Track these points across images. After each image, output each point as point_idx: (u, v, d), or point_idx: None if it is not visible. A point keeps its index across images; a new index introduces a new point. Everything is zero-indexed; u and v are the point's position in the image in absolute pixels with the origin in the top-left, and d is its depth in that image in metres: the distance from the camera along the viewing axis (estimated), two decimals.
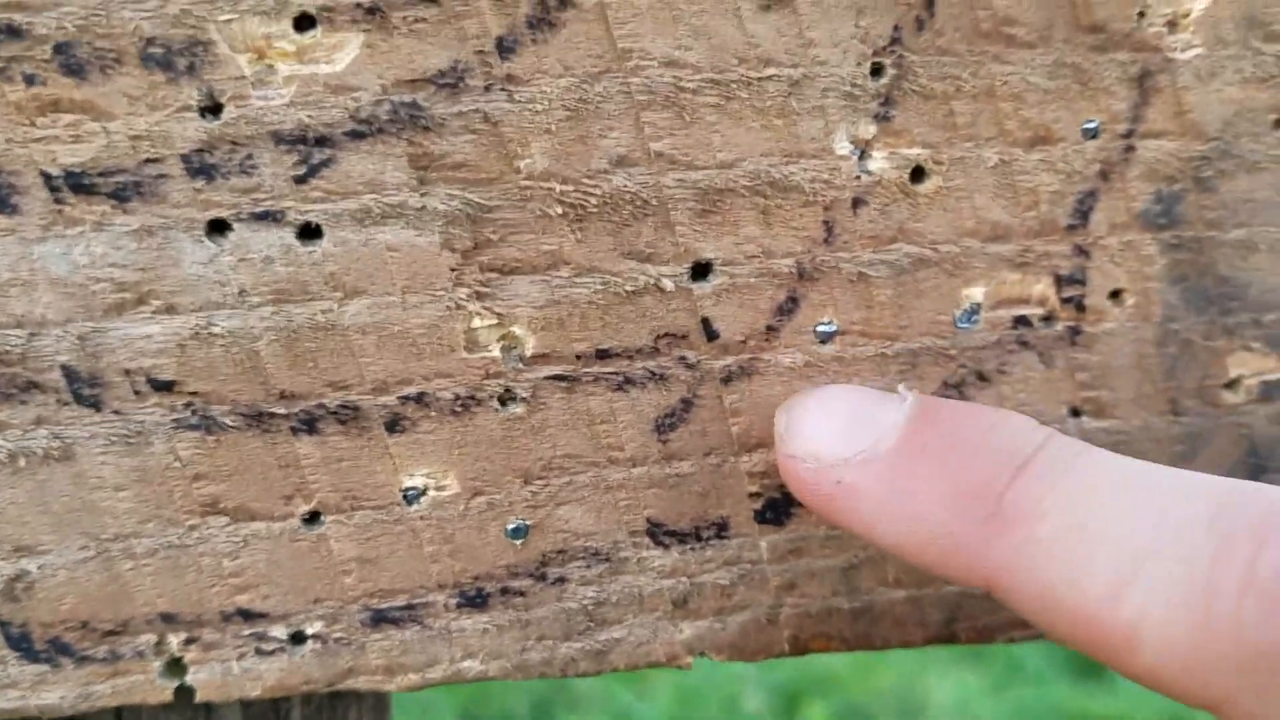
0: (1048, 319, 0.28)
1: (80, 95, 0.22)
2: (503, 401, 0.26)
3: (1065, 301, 0.28)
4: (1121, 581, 0.21)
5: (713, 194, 0.25)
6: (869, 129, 0.26)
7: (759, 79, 0.25)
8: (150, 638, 0.25)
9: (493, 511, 0.26)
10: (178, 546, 0.25)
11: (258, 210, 0.23)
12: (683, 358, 0.26)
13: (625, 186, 0.25)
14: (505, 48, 0.23)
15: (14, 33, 0.22)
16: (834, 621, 0.29)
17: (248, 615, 0.26)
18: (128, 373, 0.24)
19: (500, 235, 0.25)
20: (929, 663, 1.42)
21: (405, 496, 0.26)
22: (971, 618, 0.30)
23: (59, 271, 0.23)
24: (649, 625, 0.28)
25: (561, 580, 0.27)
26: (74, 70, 0.22)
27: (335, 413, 0.25)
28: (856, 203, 0.26)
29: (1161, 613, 0.20)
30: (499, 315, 0.25)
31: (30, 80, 0.22)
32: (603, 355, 0.26)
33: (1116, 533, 0.21)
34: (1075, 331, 0.28)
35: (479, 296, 0.25)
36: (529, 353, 0.26)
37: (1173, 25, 0.26)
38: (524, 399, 0.26)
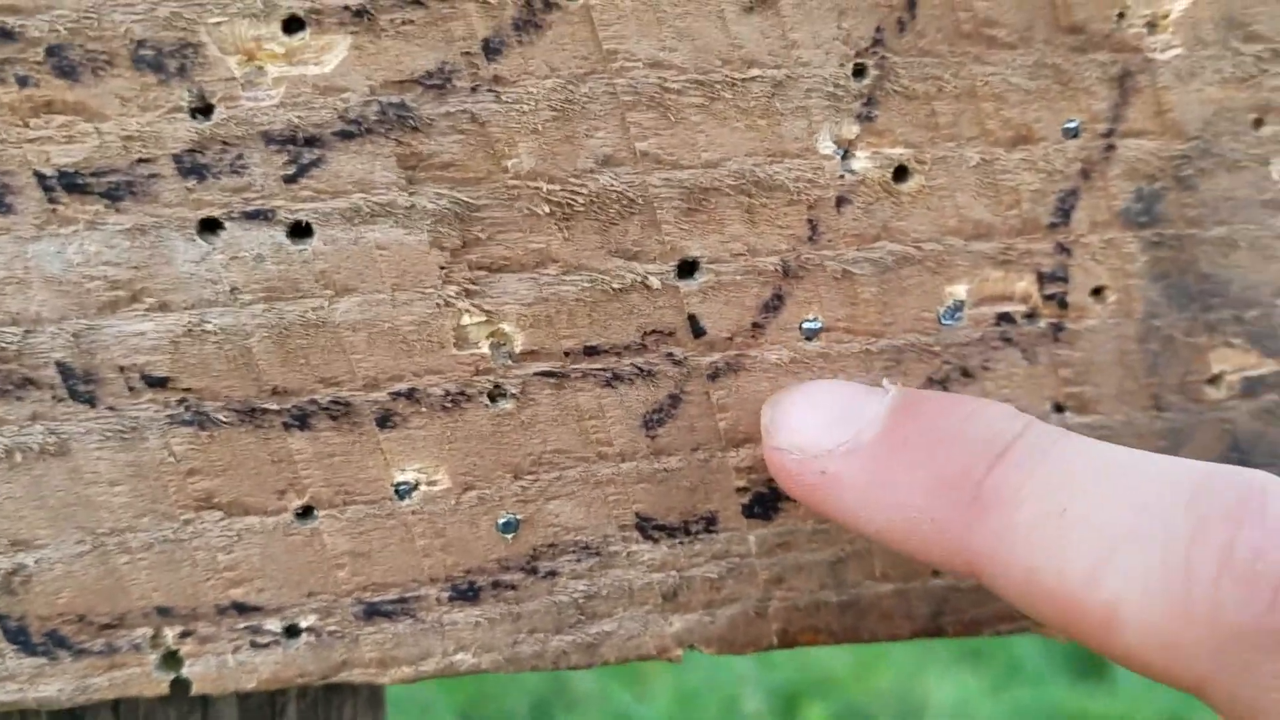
0: (1030, 316, 0.28)
1: (73, 96, 0.22)
2: (492, 398, 0.26)
3: (1048, 299, 0.28)
4: (1100, 564, 0.21)
5: (698, 193, 0.26)
6: (852, 129, 0.26)
7: (743, 80, 0.25)
8: (146, 631, 0.26)
9: (484, 506, 0.27)
10: (172, 541, 0.25)
11: (249, 209, 0.24)
12: (670, 354, 0.27)
13: (612, 186, 0.25)
14: (491, 49, 0.24)
15: (7, 35, 0.22)
16: (822, 615, 0.29)
17: (242, 609, 0.26)
18: (122, 369, 0.24)
19: (488, 234, 0.25)
20: (928, 663, 1.42)
21: (397, 491, 0.26)
22: (958, 611, 0.30)
23: (53, 270, 0.23)
24: (639, 618, 0.28)
25: (552, 574, 0.28)
26: (66, 72, 0.22)
27: (327, 409, 0.25)
28: (840, 201, 0.26)
29: (1140, 595, 0.21)
30: (488, 312, 0.26)
31: (23, 82, 0.22)
32: (591, 352, 0.26)
33: (1095, 517, 0.22)
34: (1058, 328, 0.28)
35: (468, 294, 0.25)
36: (518, 349, 0.26)
37: (1152, 26, 0.27)
38: (513, 395, 0.26)
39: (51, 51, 0.22)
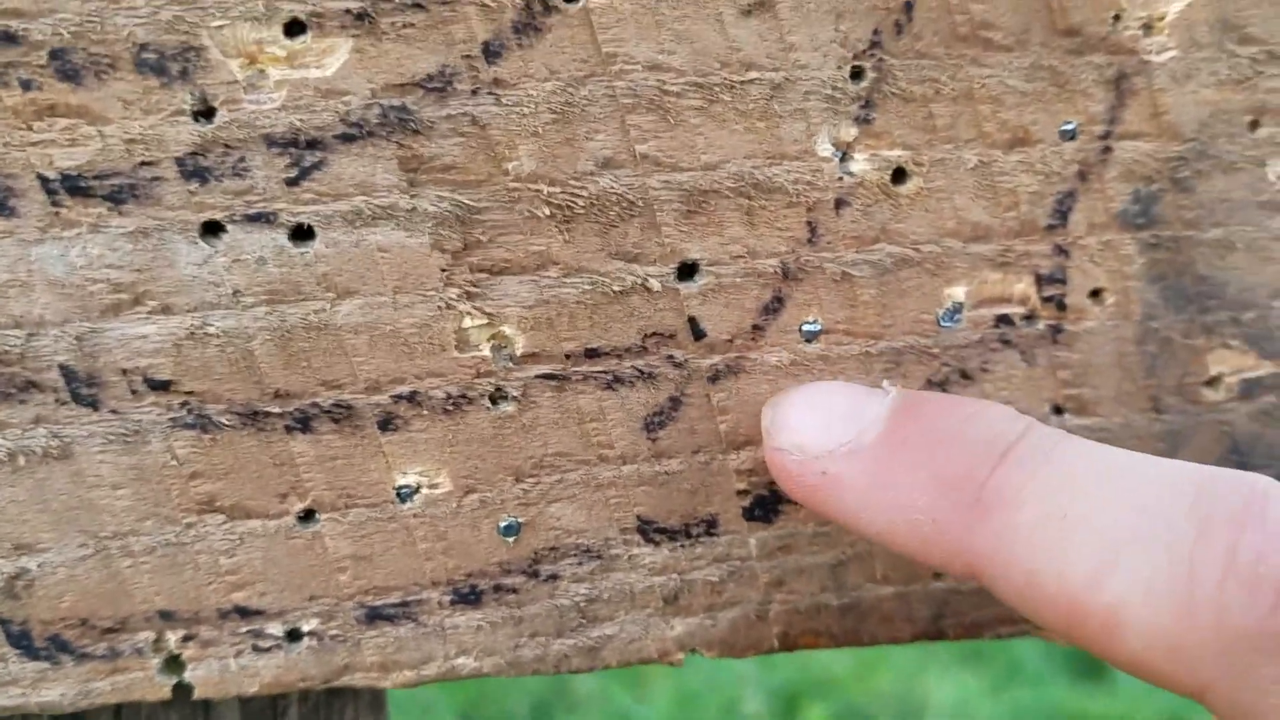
0: (1029, 318, 0.28)
1: (76, 100, 0.23)
2: (494, 400, 0.26)
3: (1046, 300, 0.28)
4: (1103, 567, 0.21)
5: (698, 195, 0.26)
6: (850, 131, 0.26)
7: (741, 82, 0.25)
8: (149, 635, 0.26)
9: (485, 509, 0.27)
10: (175, 544, 0.26)
11: (251, 212, 0.24)
12: (670, 357, 0.27)
13: (612, 188, 0.25)
14: (492, 52, 0.24)
15: (10, 39, 0.22)
16: (823, 618, 0.30)
17: (244, 612, 0.26)
18: (125, 372, 0.24)
19: (489, 236, 0.25)
20: (928, 664, 1.42)
21: (399, 494, 0.26)
22: (959, 614, 0.30)
23: (56, 273, 0.23)
24: (640, 622, 0.29)
25: (554, 577, 0.28)
26: (69, 75, 0.22)
27: (329, 411, 0.25)
28: (839, 204, 0.26)
29: (1143, 598, 0.21)
30: (489, 315, 0.26)
31: (27, 85, 0.22)
32: (592, 354, 0.26)
33: (1097, 519, 0.22)
34: (1056, 330, 0.28)
35: (469, 296, 0.25)
36: (519, 352, 0.26)
37: (1148, 28, 0.27)
38: (515, 398, 0.26)
39: (55, 55, 0.22)
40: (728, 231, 0.26)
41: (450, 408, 0.26)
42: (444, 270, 0.25)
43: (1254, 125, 0.28)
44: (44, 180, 0.23)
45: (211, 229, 0.24)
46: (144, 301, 0.24)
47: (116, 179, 0.23)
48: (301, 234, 0.24)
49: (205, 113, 0.23)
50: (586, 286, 0.26)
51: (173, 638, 0.26)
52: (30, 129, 0.23)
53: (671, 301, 0.26)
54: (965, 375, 0.28)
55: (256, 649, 0.26)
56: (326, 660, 0.27)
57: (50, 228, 0.23)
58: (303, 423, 0.25)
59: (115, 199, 0.23)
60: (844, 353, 0.27)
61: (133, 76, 0.23)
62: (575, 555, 0.28)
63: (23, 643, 0.25)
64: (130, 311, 0.24)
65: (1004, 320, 0.28)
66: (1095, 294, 0.29)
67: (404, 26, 0.23)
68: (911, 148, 0.26)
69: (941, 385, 0.28)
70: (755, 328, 0.27)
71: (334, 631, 0.27)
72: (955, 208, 0.27)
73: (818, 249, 0.27)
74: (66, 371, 0.24)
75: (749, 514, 0.28)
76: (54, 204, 0.23)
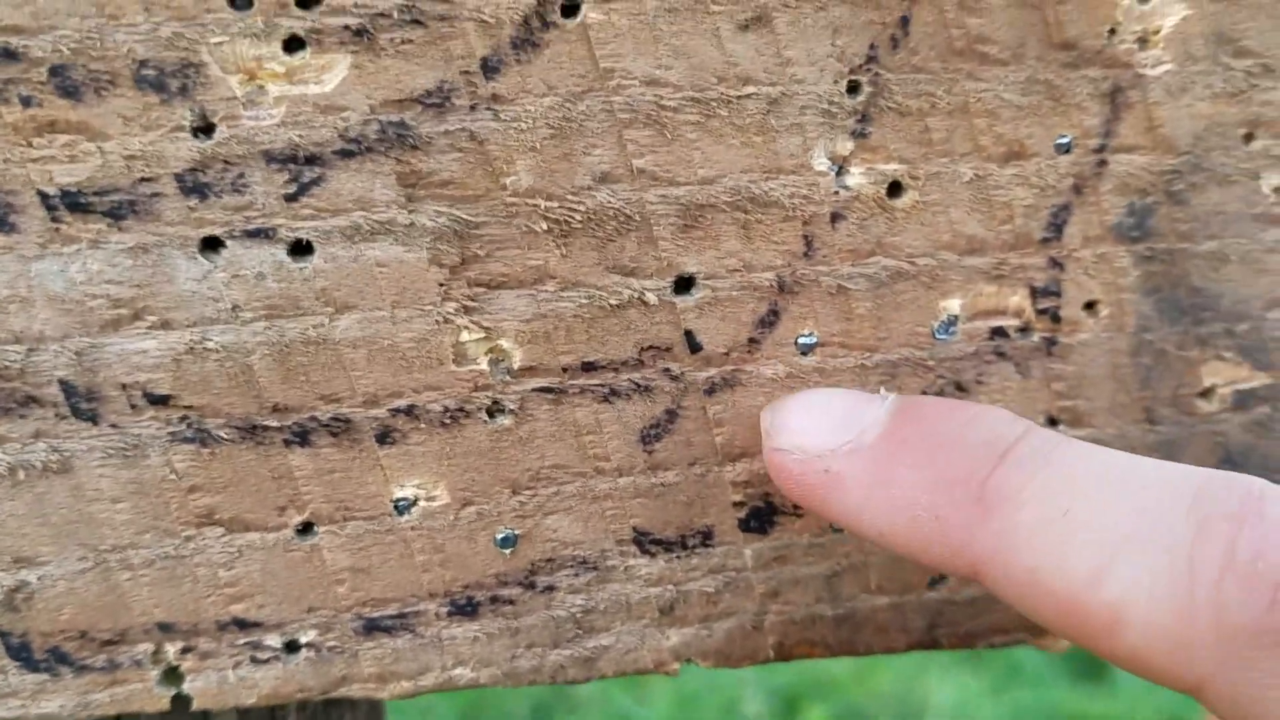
0: (1024, 330, 0.28)
1: (76, 116, 0.23)
2: (491, 413, 0.26)
3: (1041, 313, 0.28)
4: (1104, 565, 0.21)
5: (694, 209, 0.26)
6: (846, 145, 0.26)
7: (738, 97, 0.25)
8: (148, 647, 0.26)
9: (482, 521, 0.27)
10: (174, 557, 0.26)
11: (250, 228, 0.24)
12: (667, 369, 0.27)
13: (609, 202, 0.25)
14: (490, 68, 0.24)
15: (10, 56, 0.22)
16: (818, 628, 0.30)
17: (243, 624, 0.26)
18: (124, 387, 0.24)
19: (487, 251, 0.25)
20: (928, 665, 1.42)
21: (396, 507, 0.27)
22: (953, 624, 0.30)
23: (56, 288, 0.24)
24: (636, 632, 0.29)
25: (550, 589, 0.28)
26: (69, 92, 0.23)
27: (327, 425, 0.26)
28: (835, 217, 0.27)
29: (1144, 596, 0.21)
30: (486, 329, 0.26)
31: (27, 102, 0.22)
32: (588, 368, 0.27)
33: (1098, 519, 0.22)
34: (1051, 342, 0.29)
35: (467, 311, 0.25)
36: (516, 365, 0.26)
37: (1143, 42, 0.27)
38: (512, 411, 0.26)
39: (55, 71, 0.22)
40: (724, 245, 0.26)
41: (448, 421, 0.26)
42: (442, 285, 0.25)
43: (1248, 138, 0.28)
44: (44, 196, 0.23)
45: (211, 244, 0.24)
46: (143, 317, 0.24)
47: (116, 195, 0.23)
48: (300, 249, 0.24)
49: (205, 129, 0.23)
50: (583, 300, 0.26)
51: (171, 650, 0.26)
52: (30, 145, 0.23)
53: (668, 315, 0.26)
54: (960, 387, 0.28)
55: (255, 660, 0.27)
56: (324, 671, 0.27)
57: (50, 243, 0.23)
58: (301, 436, 0.25)
59: (115, 215, 0.23)
60: (840, 365, 0.28)
61: (132, 93, 0.23)
62: (572, 567, 0.28)
63: (22, 655, 0.25)
64: (130, 327, 0.24)
65: (999, 333, 0.28)
66: (1090, 306, 0.29)
67: (402, 43, 0.24)
68: (907, 161, 0.27)
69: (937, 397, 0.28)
70: (751, 341, 0.27)
71: (332, 643, 0.27)
72: (950, 221, 0.27)
73: (813, 262, 0.27)
74: (66, 386, 0.24)
75: (744, 525, 0.29)
76: (54, 220, 0.23)
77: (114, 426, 0.25)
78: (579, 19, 0.24)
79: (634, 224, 0.26)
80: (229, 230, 0.24)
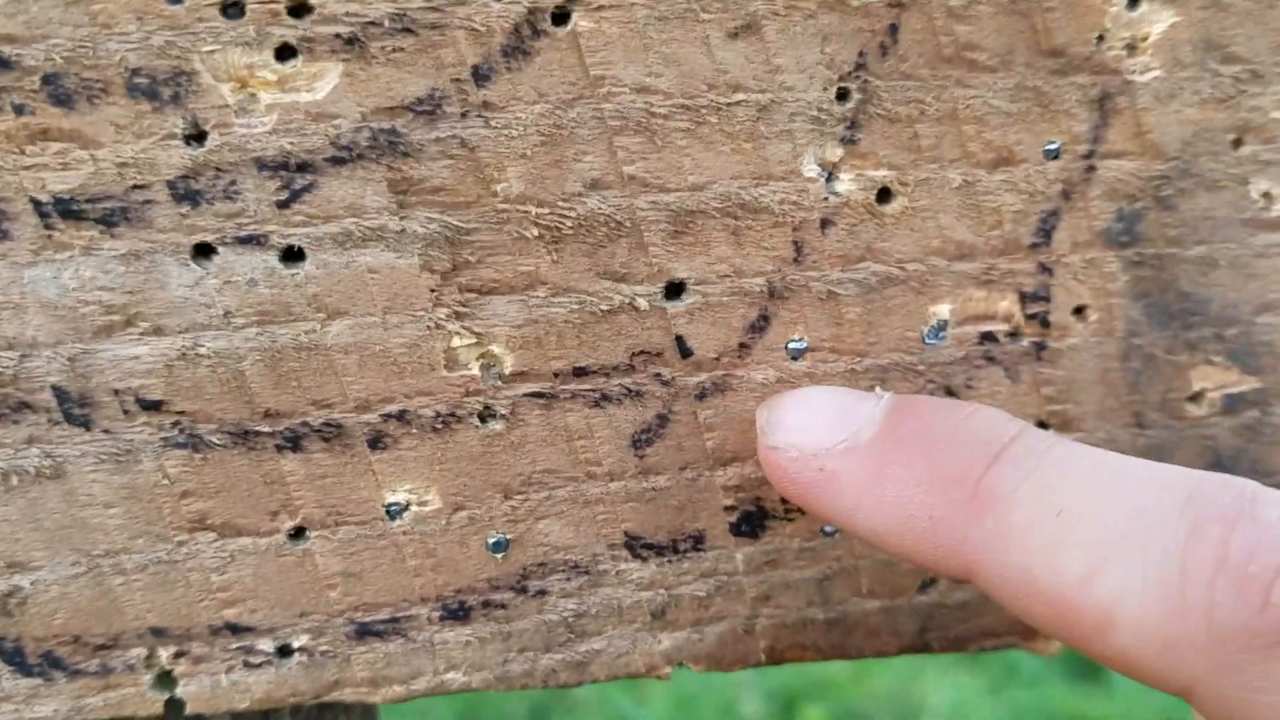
0: (1013, 335, 0.28)
1: (68, 124, 0.23)
2: (482, 419, 0.27)
3: (1030, 318, 0.28)
4: (1096, 565, 0.21)
5: (684, 215, 0.26)
6: (836, 152, 0.26)
7: (728, 104, 0.25)
8: (141, 651, 0.26)
9: (474, 526, 0.27)
10: (166, 562, 0.26)
11: (242, 234, 0.24)
12: (658, 375, 0.27)
13: (599, 209, 0.25)
14: (481, 76, 0.24)
15: (3, 64, 0.22)
16: (809, 632, 0.30)
17: (235, 629, 0.26)
18: (117, 393, 0.25)
19: (478, 257, 0.25)
20: (926, 665, 1.43)
21: (388, 512, 0.27)
22: (944, 627, 0.31)
23: (49, 295, 0.24)
24: (628, 636, 0.29)
25: (542, 593, 0.28)
26: (62, 100, 0.23)
27: (319, 430, 0.26)
28: (825, 223, 0.27)
29: (1136, 596, 0.21)
30: (478, 334, 0.26)
31: (19, 110, 0.23)
32: (580, 373, 0.27)
33: (1090, 518, 0.22)
34: (1040, 347, 0.29)
35: (458, 316, 0.26)
36: (508, 371, 0.26)
37: (1132, 49, 0.27)
38: (503, 416, 0.27)
39: (47, 80, 0.23)
40: (714, 251, 0.26)
41: (439, 426, 0.26)
42: (433, 290, 0.25)
43: (1237, 143, 0.28)
44: (37, 203, 0.23)
45: (203, 251, 0.24)
46: (136, 323, 0.24)
47: (108, 202, 0.23)
48: (292, 256, 0.25)
49: (196, 136, 0.23)
50: (574, 306, 0.26)
51: (164, 654, 0.26)
52: (23, 153, 0.23)
53: (659, 320, 0.27)
54: (950, 392, 0.29)
55: (247, 665, 0.27)
56: (317, 676, 0.27)
57: (43, 250, 0.23)
58: (293, 442, 0.26)
59: (107, 222, 0.23)
60: (830, 370, 0.28)
61: (125, 101, 0.23)
62: (563, 571, 0.28)
63: (16, 660, 0.26)
64: (122, 333, 0.24)
65: (988, 337, 0.28)
66: (1079, 311, 0.29)
67: (393, 51, 0.24)
68: (896, 168, 0.27)
69: None
70: (742, 346, 0.27)
71: (324, 647, 0.27)
72: (940, 227, 0.27)
73: (803, 268, 0.27)
74: (59, 392, 0.24)
75: (736, 529, 0.29)
76: (47, 227, 0.23)
77: (106, 432, 0.25)
78: (569, 27, 0.24)
79: (625, 230, 0.26)
80: (221, 237, 0.24)
